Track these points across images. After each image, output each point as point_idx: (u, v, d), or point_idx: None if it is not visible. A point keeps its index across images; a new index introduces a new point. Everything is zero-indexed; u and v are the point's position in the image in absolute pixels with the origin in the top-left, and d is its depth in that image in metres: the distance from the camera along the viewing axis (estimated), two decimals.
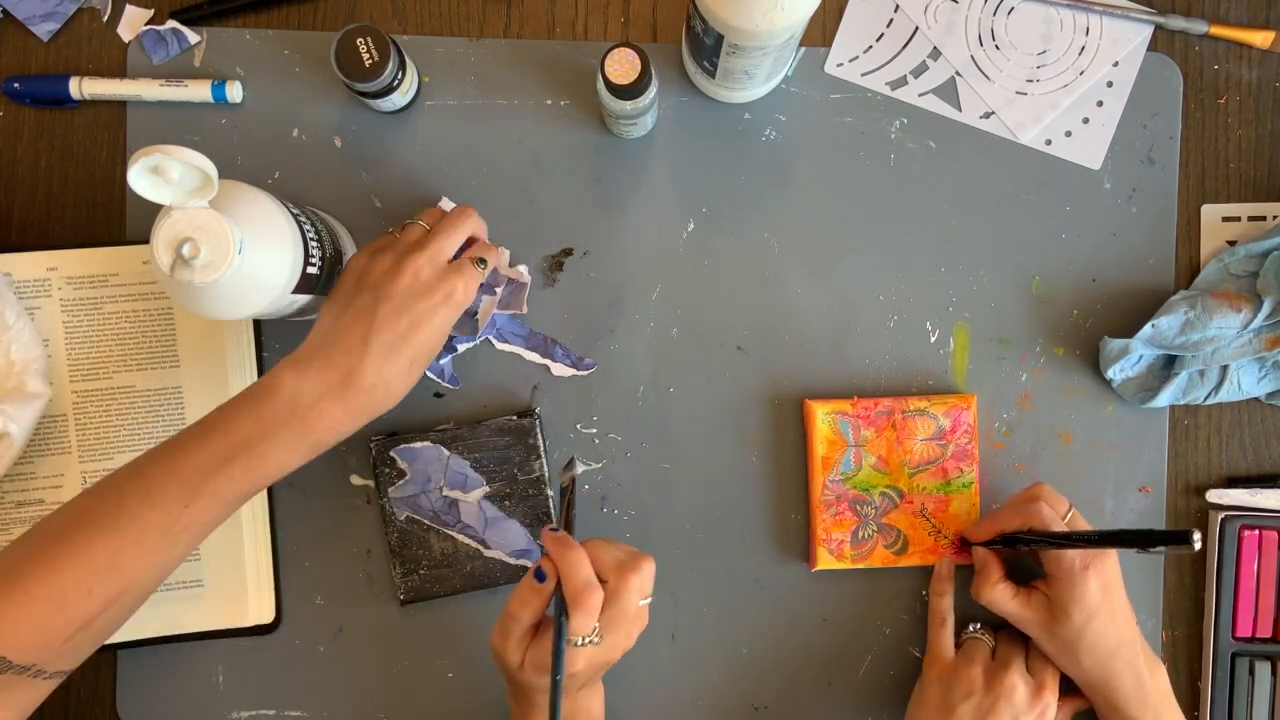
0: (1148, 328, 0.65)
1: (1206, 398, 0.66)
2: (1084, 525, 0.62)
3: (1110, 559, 0.60)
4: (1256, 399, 0.68)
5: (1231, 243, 0.68)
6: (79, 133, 0.68)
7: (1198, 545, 0.52)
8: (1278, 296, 0.63)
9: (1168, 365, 0.67)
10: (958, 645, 0.65)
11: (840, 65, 0.68)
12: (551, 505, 0.66)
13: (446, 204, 0.67)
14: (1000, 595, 0.62)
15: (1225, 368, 0.66)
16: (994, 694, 0.60)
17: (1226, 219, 0.69)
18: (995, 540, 0.64)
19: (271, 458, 0.54)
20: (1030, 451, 0.68)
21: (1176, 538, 0.53)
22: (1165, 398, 0.66)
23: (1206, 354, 0.65)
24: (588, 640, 0.53)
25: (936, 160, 0.68)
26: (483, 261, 0.60)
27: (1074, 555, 0.59)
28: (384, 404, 0.56)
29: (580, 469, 0.63)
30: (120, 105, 0.68)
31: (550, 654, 0.52)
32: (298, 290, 0.57)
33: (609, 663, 0.56)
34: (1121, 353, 0.66)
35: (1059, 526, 0.60)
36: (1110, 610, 0.59)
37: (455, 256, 0.60)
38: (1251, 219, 0.68)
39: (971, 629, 0.65)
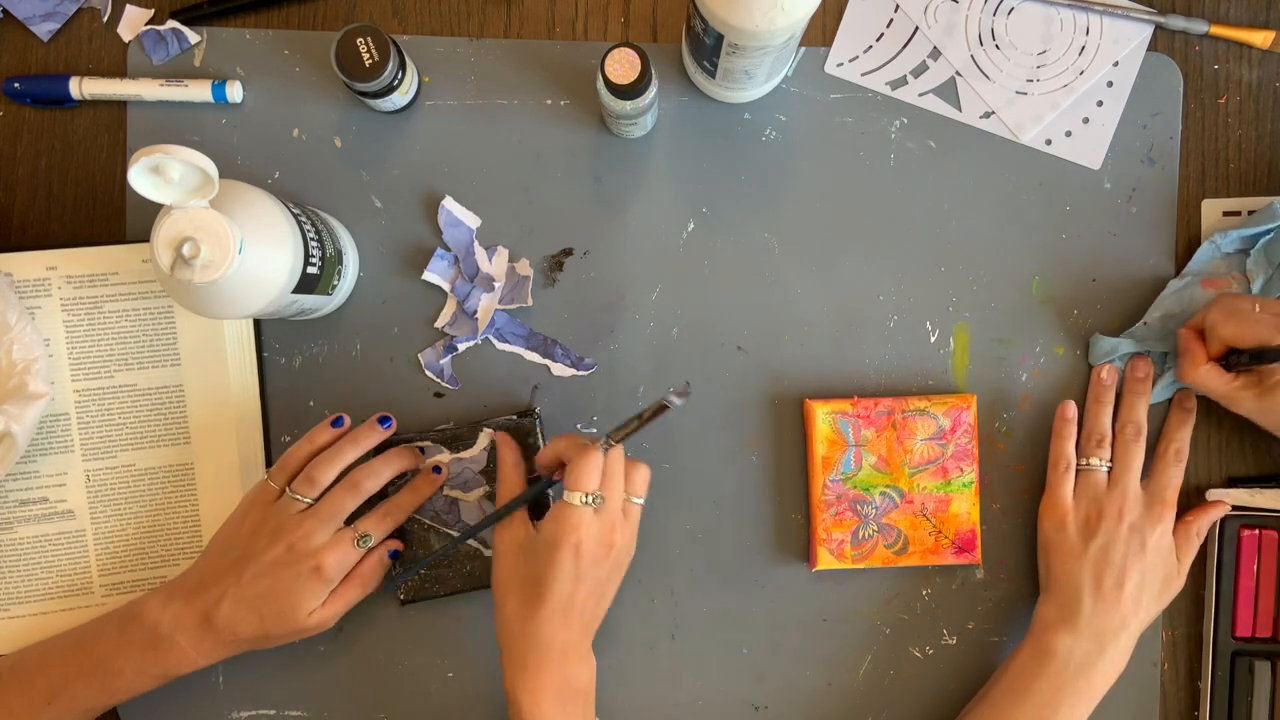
0: (1139, 325, 0.66)
1: None
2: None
3: None
4: None
5: (1227, 213, 0.68)
6: (79, 133, 0.68)
7: None
8: (1266, 275, 0.64)
9: (1162, 360, 0.67)
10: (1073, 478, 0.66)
11: (840, 65, 0.68)
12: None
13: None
14: (1207, 375, 0.61)
15: None
16: (1117, 519, 0.63)
17: (1227, 213, 0.69)
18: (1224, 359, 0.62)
19: (123, 678, 0.59)
20: (1030, 451, 0.68)
21: None
22: (1160, 392, 0.66)
23: None
24: (591, 499, 0.56)
25: (936, 160, 0.68)
26: (365, 538, 0.61)
27: None
28: (230, 650, 0.60)
29: (679, 402, 0.58)
30: (120, 105, 0.68)
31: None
32: (298, 290, 0.57)
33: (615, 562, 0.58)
34: (1112, 351, 0.66)
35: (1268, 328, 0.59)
36: None
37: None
38: (1252, 214, 0.68)
39: (1082, 461, 0.66)
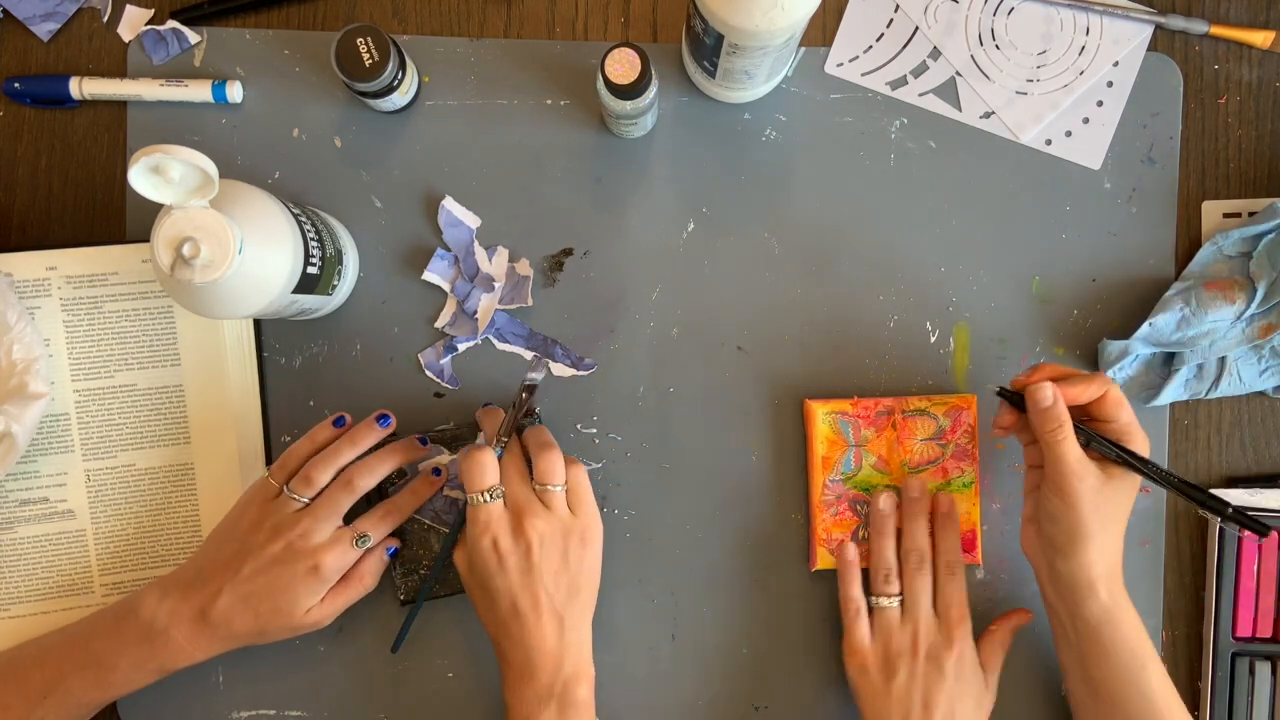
0: (1145, 327, 0.65)
1: (1208, 391, 0.66)
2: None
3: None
4: (1258, 396, 0.68)
5: (1227, 215, 0.68)
6: (79, 133, 0.68)
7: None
8: (1270, 279, 0.63)
9: (1167, 361, 0.67)
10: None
11: (840, 65, 0.68)
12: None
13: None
14: (1070, 443, 0.58)
15: (1223, 360, 0.66)
16: (912, 653, 0.62)
17: (1227, 215, 0.69)
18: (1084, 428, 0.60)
19: (119, 672, 0.59)
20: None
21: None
22: (1167, 395, 0.66)
23: (1205, 347, 0.65)
24: (489, 495, 0.58)
25: (936, 160, 0.68)
26: (364, 538, 0.61)
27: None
28: (225, 645, 0.60)
29: (539, 376, 0.61)
30: (120, 105, 0.68)
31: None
32: (298, 290, 0.57)
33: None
34: (1121, 354, 0.66)
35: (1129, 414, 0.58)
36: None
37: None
38: (1252, 215, 0.68)
39: (873, 600, 0.65)
